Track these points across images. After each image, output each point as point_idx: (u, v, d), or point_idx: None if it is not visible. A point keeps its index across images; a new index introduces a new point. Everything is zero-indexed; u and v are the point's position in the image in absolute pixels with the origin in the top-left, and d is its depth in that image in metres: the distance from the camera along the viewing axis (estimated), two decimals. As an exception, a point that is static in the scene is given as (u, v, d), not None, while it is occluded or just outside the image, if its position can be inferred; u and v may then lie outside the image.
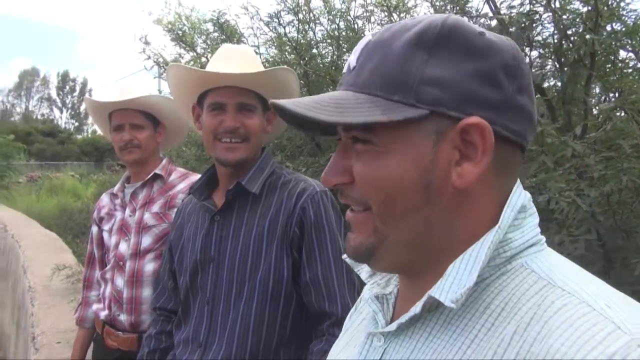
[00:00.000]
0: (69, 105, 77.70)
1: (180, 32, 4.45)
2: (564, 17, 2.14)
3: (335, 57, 3.67)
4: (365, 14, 3.63)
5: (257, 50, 4.00)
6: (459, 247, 0.55)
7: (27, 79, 78.09)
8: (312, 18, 3.80)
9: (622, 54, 2.29)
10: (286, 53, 3.78)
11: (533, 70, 2.32)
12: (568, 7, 2.15)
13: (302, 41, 3.75)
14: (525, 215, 0.57)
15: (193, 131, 2.96)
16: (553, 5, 2.14)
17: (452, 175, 0.54)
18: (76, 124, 76.12)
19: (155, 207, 1.89)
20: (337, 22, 3.75)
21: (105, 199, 2.08)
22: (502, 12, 2.29)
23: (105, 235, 1.99)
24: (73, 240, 6.96)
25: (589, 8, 2.03)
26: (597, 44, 1.92)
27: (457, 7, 2.58)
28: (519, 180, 0.59)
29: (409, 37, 0.55)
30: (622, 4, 2.11)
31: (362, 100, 0.55)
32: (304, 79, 3.41)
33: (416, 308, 0.55)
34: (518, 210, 0.56)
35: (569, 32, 2.18)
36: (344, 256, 0.68)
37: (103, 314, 1.91)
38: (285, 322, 1.33)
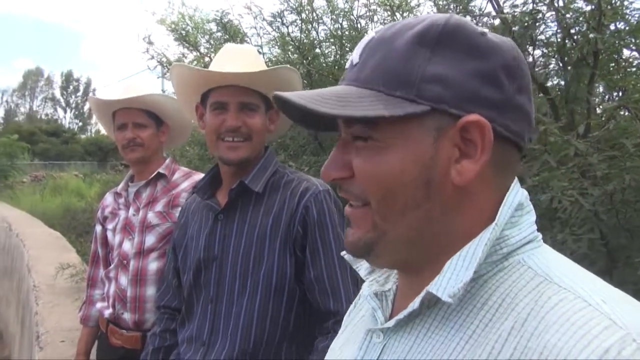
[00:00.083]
0: (73, 105, 77.92)
1: (183, 32, 4.46)
2: (567, 15, 2.14)
3: (338, 56, 3.67)
4: (368, 14, 3.64)
5: (261, 50, 4.01)
6: (458, 244, 0.55)
7: (31, 79, 78.32)
8: (315, 17, 3.80)
9: (626, 52, 2.28)
10: (289, 52, 3.79)
11: (536, 70, 2.32)
12: (571, 6, 2.15)
13: (305, 41, 3.75)
14: (522, 213, 0.58)
15: (196, 130, 2.97)
16: (556, 4, 2.14)
17: (452, 173, 0.55)
18: (80, 123, 76.32)
19: (159, 206, 1.90)
20: (340, 22, 3.76)
21: (109, 198, 2.09)
22: (505, 11, 2.29)
23: (109, 234, 2.00)
24: (77, 240, 6.99)
25: (592, 7, 2.03)
26: (600, 43, 1.92)
27: (460, 6, 2.58)
28: (516, 179, 0.60)
29: (412, 34, 0.55)
30: (625, 3, 2.11)
31: (364, 95, 0.55)
32: (307, 79, 3.41)
33: (414, 304, 0.56)
34: (515, 207, 0.57)
35: (572, 31, 2.18)
36: (343, 253, 0.68)
37: (107, 313, 1.92)
38: (288, 319, 1.33)
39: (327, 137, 3.25)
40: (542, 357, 0.46)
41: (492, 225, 0.54)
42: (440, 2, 2.93)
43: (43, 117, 75.17)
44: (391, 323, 0.59)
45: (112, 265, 1.95)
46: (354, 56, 0.59)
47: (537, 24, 2.23)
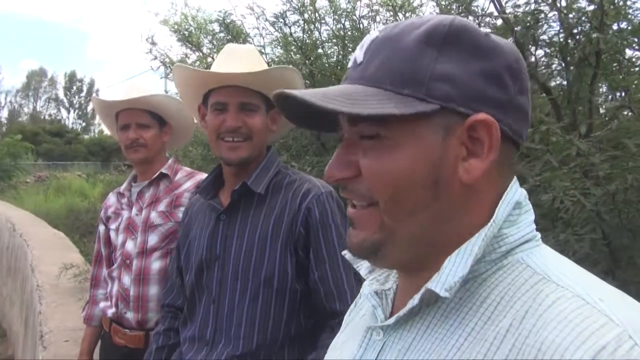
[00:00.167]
0: (76, 106, 78.07)
1: (186, 33, 4.47)
2: (570, 15, 2.13)
3: (340, 56, 3.67)
4: (370, 14, 3.64)
5: (263, 50, 4.01)
6: (459, 243, 0.56)
7: (34, 80, 78.52)
8: (318, 18, 3.81)
9: (628, 52, 2.28)
10: (292, 53, 3.79)
11: (538, 69, 2.32)
12: (574, 6, 2.15)
13: (307, 41, 3.76)
14: (520, 212, 0.58)
15: (199, 131, 2.98)
16: (558, 4, 2.14)
17: (459, 171, 0.55)
18: (83, 124, 76.46)
19: (162, 206, 1.91)
20: (343, 22, 3.76)
21: (112, 198, 2.10)
22: (507, 11, 2.29)
23: (112, 234, 2.01)
24: (80, 240, 7.00)
25: (595, 7, 2.02)
26: (603, 43, 1.92)
27: (463, 6, 2.58)
28: (515, 178, 0.60)
29: (418, 34, 0.56)
30: (628, 3, 2.11)
31: (372, 93, 0.55)
32: (310, 79, 3.42)
33: (414, 301, 0.56)
34: (513, 206, 0.57)
35: (575, 30, 2.17)
36: (344, 252, 0.68)
37: (110, 312, 1.92)
38: (290, 319, 1.34)
39: (329, 137, 3.25)
40: (540, 353, 0.46)
41: (490, 223, 0.55)
42: (443, 2, 2.93)
43: (46, 117, 75.36)
44: (391, 320, 0.59)
45: (115, 265, 1.96)
46: (358, 55, 0.59)
47: (540, 23, 2.22)
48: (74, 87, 77.81)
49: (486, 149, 0.55)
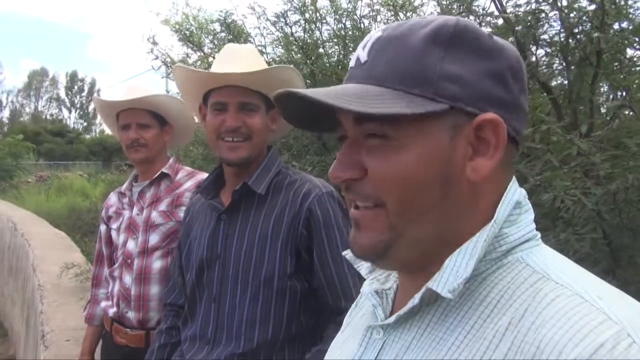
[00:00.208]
0: (78, 106, 78.09)
1: (187, 32, 4.48)
2: (571, 15, 2.13)
3: (341, 56, 3.68)
4: (371, 14, 3.64)
5: (264, 50, 4.02)
6: (461, 242, 0.56)
7: (36, 79, 78.55)
8: (319, 17, 3.81)
9: (629, 52, 2.28)
10: (293, 52, 3.80)
11: (539, 69, 2.32)
12: (574, 6, 2.15)
13: (308, 41, 3.76)
14: (520, 212, 0.59)
15: (200, 130, 2.99)
16: (559, 4, 2.14)
17: (467, 170, 0.56)
18: (84, 124, 76.46)
19: (163, 206, 1.91)
20: (344, 22, 3.76)
21: (113, 197, 2.10)
22: (508, 10, 2.29)
23: (114, 233, 2.01)
24: (82, 239, 7.00)
25: (596, 6, 2.02)
26: (603, 42, 1.92)
27: (464, 6, 2.58)
28: (514, 177, 0.61)
29: (425, 33, 0.56)
30: (629, 2, 2.11)
31: (381, 93, 0.55)
32: (311, 79, 3.42)
33: (414, 300, 0.56)
34: (513, 206, 0.58)
35: (576, 30, 2.17)
36: (345, 253, 0.68)
37: (111, 311, 1.93)
38: (290, 319, 1.34)
39: (330, 137, 3.25)
40: (538, 351, 0.47)
41: (491, 222, 0.55)
42: (444, 2, 2.93)
43: (48, 117, 75.40)
44: (391, 319, 0.59)
45: (116, 265, 1.97)
46: (362, 54, 0.59)
47: (540, 23, 2.22)
48: (76, 87, 77.84)
49: (492, 148, 0.55)
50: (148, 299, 1.86)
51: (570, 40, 2.19)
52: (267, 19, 3.92)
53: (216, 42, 4.32)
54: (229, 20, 4.04)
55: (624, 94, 2.23)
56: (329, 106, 0.54)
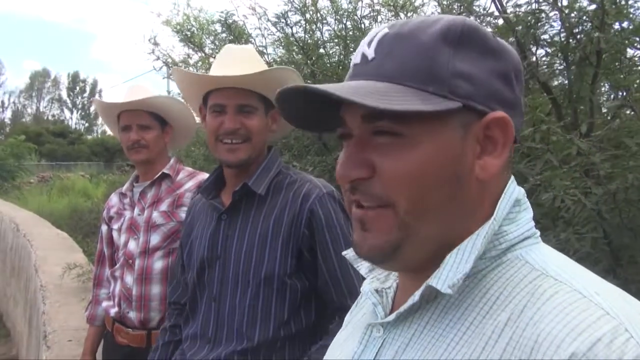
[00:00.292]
0: (79, 106, 78.16)
1: (188, 33, 4.49)
2: (571, 15, 2.14)
3: (342, 56, 3.68)
4: (371, 14, 3.65)
5: (265, 51, 4.03)
6: (462, 240, 0.56)
7: (38, 80, 78.63)
8: (319, 18, 3.82)
9: (630, 51, 2.28)
10: (293, 53, 3.80)
11: (539, 69, 2.32)
12: (575, 5, 2.15)
13: (309, 41, 3.77)
14: (519, 210, 0.59)
15: (202, 131, 2.99)
16: (559, 4, 2.14)
17: (476, 168, 0.56)
18: (86, 124, 76.52)
19: (164, 206, 1.92)
20: (344, 22, 3.77)
21: (114, 198, 2.11)
22: (508, 11, 2.29)
23: (115, 234, 2.02)
24: (83, 240, 7.01)
25: (596, 6, 2.03)
26: (603, 42, 1.92)
27: (464, 6, 2.58)
28: (512, 176, 0.61)
29: (435, 31, 0.56)
30: (629, 2, 2.11)
31: (397, 90, 0.54)
32: (311, 79, 3.42)
33: (414, 297, 0.57)
34: (512, 204, 0.58)
35: (576, 30, 2.18)
36: (344, 252, 0.69)
37: (113, 311, 1.94)
38: (291, 318, 1.35)
39: (331, 137, 3.25)
40: (536, 345, 0.47)
41: (490, 220, 0.55)
42: (444, 2, 2.94)
43: (50, 118, 75.51)
44: (391, 317, 0.59)
45: (117, 265, 1.97)
46: (368, 51, 0.58)
47: (541, 23, 2.23)
48: (77, 88, 77.92)
49: (500, 147, 0.56)
50: (149, 299, 1.87)
51: (571, 40, 2.19)
52: (268, 20, 3.94)
53: (217, 43, 4.33)
54: (230, 21, 4.05)
55: (624, 93, 2.24)
56: (345, 101, 0.52)
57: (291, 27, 3.85)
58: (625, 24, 2.14)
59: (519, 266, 0.55)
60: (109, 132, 2.21)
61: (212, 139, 1.42)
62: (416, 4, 3.48)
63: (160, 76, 5.29)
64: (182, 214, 1.83)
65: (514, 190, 0.59)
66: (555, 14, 2.20)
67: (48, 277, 4.69)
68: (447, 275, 0.54)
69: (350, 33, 3.68)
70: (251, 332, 1.33)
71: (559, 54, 2.33)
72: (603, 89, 2.52)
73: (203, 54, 4.47)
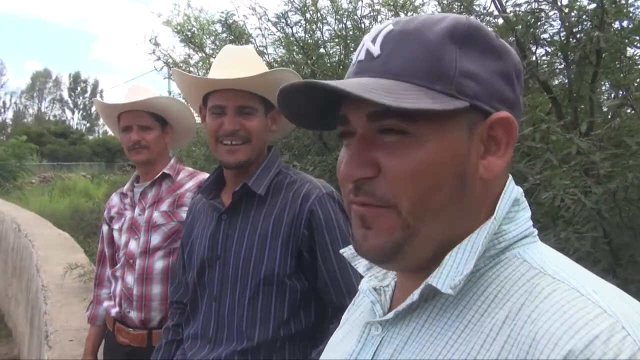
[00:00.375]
0: (81, 107, 78.24)
1: (189, 33, 4.50)
2: (571, 14, 2.14)
3: (342, 56, 3.68)
4: (372, 14, 3.65)
5: (265, 51, 4.03)
6: (461, 239, 0.56)
7: (39, 81, 78.70)
8: (319, 18, 3.82)
9: (629, 50, 2.28)
10: (294, 53, 3.81)
11: (539, 68, 2.32)
12: (574, 5, 2.15)
13: (309, 41, 3.77)
14: (518, 209, 0.59)
15: (202, 131, 3.00)
16: (559, 3, 2.14)
17: (480, 168, 0.56)
18: (87, 125, 76.62)
19: (164, 206, 1.92)
20: (345, 22, 3.77)
21: (115, 198, 2.11)
22: (508, 10, 2.29)
23: (116, 234, 2.02)
24: (85, 240, 7.02)
25: (595, 5, 2.03)
26: (603, 41, 1.92)
27: (464, 5, 2.58)
28: (510, 175, 0.61)
29: (441, 30, 0.55)
30: (629, 1, 2.11)
31: (404, 88, 0.54)
32: (312, 79, 3.42)
33: (414, 296, 0.57)
34: (512, 203, 0.58)
35: (576, 29, 2.18)
36: (342, 251, 0.69)
37: (114, 311, 1.94)
38: (291, 318, 1.35)
39: (331, 137, 3.26)
40: (534, 342, 0.47)
41: (490, 219, 0.56)
42: (444, 1, 2.94)
43: (51, 118, 75.60)
44: (390, 315, 0.59)
45: (118, 265, 1.98)
46: (373, 48, 0.57)
47: (540, 22, 2.23)
48: (79, 88, 77.97)
49: (504, 147, 0.56)
50: (150, 299, 1.87)
51: (570, 39, 2.19)
52: (268, 20, 3.94)
53: (218, 43, 4.34)
54: (230, 21, 4.06)
55: (624, 92, 2.23)
56: (355, 98, 0.52)
57: (291, 27, 3.85)
58: (625, 23, 2.14)
59: (517, 264, 0.55)
60: (110, 132, 2.21)
61: (212, 140, 1.43)
62: (416, 3, 3.48)
63: (161, 76, 5.30)
64: (183, 213, 1.83)
65: (513, 190, 0.59)
66: (555, 13, 2.20)
67: (49, 277, 4.70)
68: (448, 274, 0.54)
69: (351, 33, 3.68)
70: (251, 331, 1.34)
71: (559, 53, 2.33)
72: (603, 88, 2.52)
73: (204, 54, 4.48)
